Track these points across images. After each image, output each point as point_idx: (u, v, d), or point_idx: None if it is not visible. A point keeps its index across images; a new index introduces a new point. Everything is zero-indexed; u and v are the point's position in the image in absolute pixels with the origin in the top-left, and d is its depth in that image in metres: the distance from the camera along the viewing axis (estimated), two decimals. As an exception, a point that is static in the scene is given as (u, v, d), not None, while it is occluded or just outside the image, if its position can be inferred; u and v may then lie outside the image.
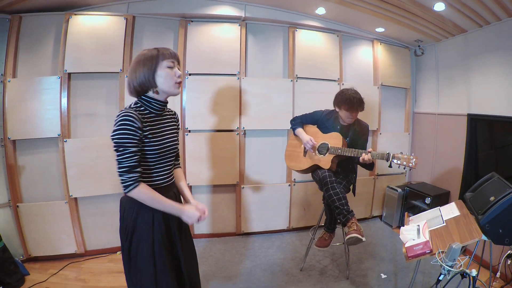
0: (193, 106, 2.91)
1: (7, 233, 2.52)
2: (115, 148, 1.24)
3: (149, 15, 2.82)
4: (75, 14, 2.62)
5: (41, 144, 2.62)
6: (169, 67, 1.33)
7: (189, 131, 2.93)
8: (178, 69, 1.39)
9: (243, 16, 2.91)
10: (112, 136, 1.24)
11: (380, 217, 3.70)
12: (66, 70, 2.58)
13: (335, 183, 2.11)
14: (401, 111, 3.73)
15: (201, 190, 3.09)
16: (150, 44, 2.85)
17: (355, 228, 1.96)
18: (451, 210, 1.91)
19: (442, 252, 1.40)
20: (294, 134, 2.47)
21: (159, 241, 1.36)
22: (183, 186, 1.61)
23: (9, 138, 2.50)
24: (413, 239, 1.62)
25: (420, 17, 2.82)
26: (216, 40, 2.93)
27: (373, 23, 3.14)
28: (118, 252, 2.83)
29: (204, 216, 1.43)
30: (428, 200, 3.07)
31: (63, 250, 2.70)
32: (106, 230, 2.81)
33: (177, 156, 1.62)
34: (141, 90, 1.33)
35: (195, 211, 1.38)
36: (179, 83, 1.38)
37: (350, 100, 2.16)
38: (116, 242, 2.85)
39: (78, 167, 2.63)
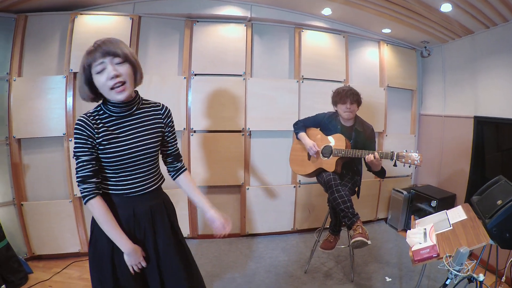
0: (198, 107, 2.93)
1: (11, 231, 2.54)
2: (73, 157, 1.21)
3: (154, 15, 2.84)
4: (81, 14, 2.65)
5: (46, 143, 2.65)
6: (98, 73, 1.13)
7: (195, 131, 2.95)
8: (120, 63, 1.15)
9: (249, 16, 2.93)
10: None
11: (385, 219, 3.70)
12: (71, 70, 2.61)
13: (340, 186, 2.11)
14: (407, 113, 3.72)
15: (206, 191, 3.10)
16: (156, 44, 2.88)
17: (360, 232, 1.97)
18: (457, 214, 1.91)
19: (450, 256, 1.40)
20: (297, 138, 2.49)
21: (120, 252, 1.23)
22: (194, 193, 1.45)
23: (14, 137, 2.53)
24: (420, 243, 1.63)
25: (426, 18, 2.82)
26: (222, 41, 2.94)
27: (379, 24, 3.14)
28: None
29: (144, 263, 1.27)
30: (434, 203, 3.07)
31: (67, 249, 2.72)
32: (110, 230, 2.83)
33: (178, 156, 1.48)
34: (95, 98, 1.23)
35: (138, 257, 1.24)
36: (116, 87, 1.15)
37: (339, 92, 2.28)
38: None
39: (82, 167, 2.65)
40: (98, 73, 1.13)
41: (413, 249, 1.61)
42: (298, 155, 2.50)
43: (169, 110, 1.40)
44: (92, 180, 1.18)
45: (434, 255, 1.54)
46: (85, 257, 2.76)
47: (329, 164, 2.23)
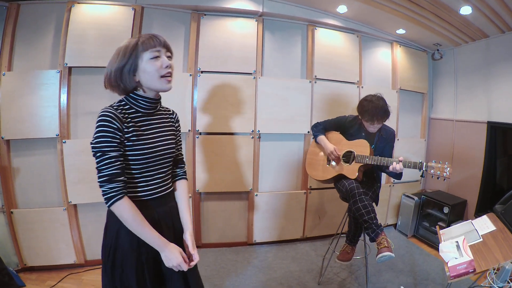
0: (204, 107, 2.84)
1: (0, 241, 2.42)
2: (93, 154, 1.12)
3: (159, 6, 2.73)
4: (78, 3, 2.51)
5: (38, 145, 2.52)
6: (152, 58, 1.17)
7: (200, 133, 2.86)
8: (169, 58, 1.22)
9: (261, 11, 2.86)
10: (91, 141, 1.12)
11: (395, 225, 3.75)
12: (66, 64, 2.48)
13: (363, 195, 2.09)
14: (417, 116, 3.77)
15: (212, 198, 3.04)
16: (160, 38, 2.77)
17: (387, 245, 1.96)
18: (485, 224, 1.93)
19: (494, 271, 1.41)
20: (316, 141, 2.45)
21: (148, 267, 1.23)
22: (183, 207, 1.40)
23: (2, 138, 2.40)
24: (456, 258, 1.63)
25: (443, 19, 2.85)
26: (231, 36, 2.87)
27: (395, 24, 3.15)
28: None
29: (186, 266, 1.21)
30: (446, 210, 3.13)
31: (61, 260, 2.61)
32: (108, 239, 2.73)
33: (180, 162, 1.49)
34: (123, 88, 1.20)
35: (178, 254, 1.19)
36: (167, 76, 1.20)
37: (371, 111, 2.13)
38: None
39: (78, 171, 2.53)
40: (152, 58, 1.17)
41: (449, 264, 1.62)
42: (316, 159, 2.46)
43: (178, 116, 1.48)
44: (120, 178, 1.14)
45: (470, 270, 1.55)
46: (82, 269, 2.65)
47: (351, 171, 2.21)
